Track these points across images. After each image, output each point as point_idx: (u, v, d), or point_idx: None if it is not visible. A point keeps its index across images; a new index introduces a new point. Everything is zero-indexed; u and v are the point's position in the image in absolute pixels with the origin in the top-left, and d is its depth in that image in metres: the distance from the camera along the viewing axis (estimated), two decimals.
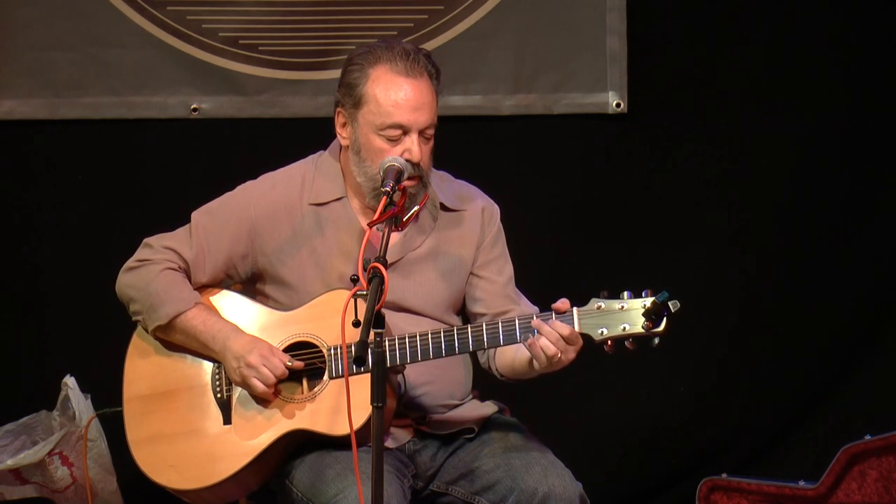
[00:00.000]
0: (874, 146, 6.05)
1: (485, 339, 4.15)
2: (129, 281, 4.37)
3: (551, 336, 4.06)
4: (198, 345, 4.30)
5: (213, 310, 4.33)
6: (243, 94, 5.88)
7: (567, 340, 4.06)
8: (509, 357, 4.30)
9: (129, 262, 4.38)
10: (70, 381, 5.41)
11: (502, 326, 4.14)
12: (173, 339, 4.33)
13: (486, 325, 4.16)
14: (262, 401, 4.24)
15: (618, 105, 5.96)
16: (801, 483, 5.57)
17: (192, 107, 5.87)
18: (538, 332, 4.08)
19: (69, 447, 5.37)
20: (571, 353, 4.09)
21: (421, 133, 4.23)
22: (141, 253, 4.38)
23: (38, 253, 5.85)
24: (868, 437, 5.51)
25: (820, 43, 6.01)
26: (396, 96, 4.21)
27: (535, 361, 4.12)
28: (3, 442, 5.43)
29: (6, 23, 5.76)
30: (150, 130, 5.87)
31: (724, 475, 5.66)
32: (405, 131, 4.22)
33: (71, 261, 5.79)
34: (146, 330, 4.34)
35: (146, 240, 4.40)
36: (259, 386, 4.21)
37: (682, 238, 6.03)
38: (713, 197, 6.05)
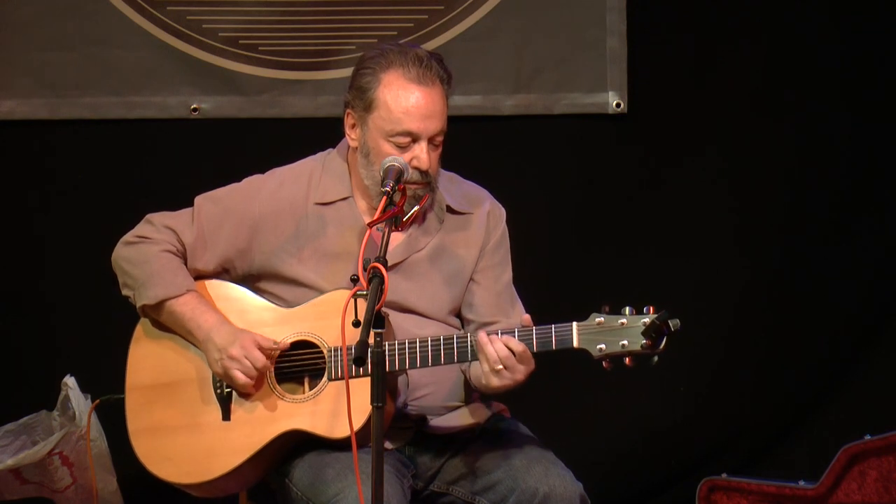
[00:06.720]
0: (874, 147, 6.04)
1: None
2: (126, 255, 4.36)
3: (501, 351, 4.05)
4: (182, 331, 4.29)
5: (204, 299, 4.31)
6: (243, 94, 5.88)
7: (518, 358, 4.05)
8: (477, 369, 4.26)
9: (128, 237, 4.38)
10: (70, 381, 5.40)
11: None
12: (160, 319, 4.32)
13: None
14: (261, 398, 4.24)
15: (618, 105, 5.96)
16: (801, 483, 5.57)
17: (192, 107, 5.87)
18: (491, 341, 4.06)
19: (69, 447, 5.37)
20: (519, 374, 4.07)
21: (430, 140, 4.22)
22: (142, 229, 4.38)
23: (38, 253, 5.85)
24: (868, 437, 5.50)
25: (820, 43, 6.01)
26: (407, 104, 4.19)
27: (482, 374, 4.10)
28: (3, 442, 5.43)
29: (6, 23, 5.76)
30: (150, 130, 5.87)
31: (724, 475, 5.66)
32: (414, 139, 4.21)
33: (71, 261, 5.79)
34: (133, 305, 4.34)
35: (148, 216, 4.40)
36: (240, 378, 4.19)
37: (682, 237, 6.03)
38: (713, 196, 6.05)
